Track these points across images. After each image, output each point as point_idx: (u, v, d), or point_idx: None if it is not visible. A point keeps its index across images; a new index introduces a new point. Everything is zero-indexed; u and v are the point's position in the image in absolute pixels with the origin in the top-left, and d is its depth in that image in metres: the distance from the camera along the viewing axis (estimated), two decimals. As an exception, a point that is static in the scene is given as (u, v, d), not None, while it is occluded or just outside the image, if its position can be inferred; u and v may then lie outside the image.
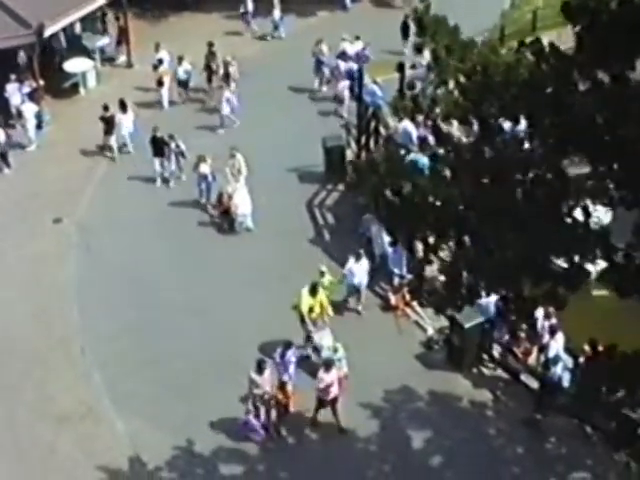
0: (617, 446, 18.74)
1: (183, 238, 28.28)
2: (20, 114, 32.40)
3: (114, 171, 31.32)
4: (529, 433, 22.46)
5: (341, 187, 30.42)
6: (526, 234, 16.02)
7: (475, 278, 17.30)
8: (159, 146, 29.86)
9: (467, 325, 23.46)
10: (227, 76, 33.48)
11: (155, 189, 30.27)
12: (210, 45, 34.23)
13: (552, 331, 22.73)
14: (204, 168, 28.92)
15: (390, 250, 26.22)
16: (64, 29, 34.91)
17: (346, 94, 33.06)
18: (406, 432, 22.51)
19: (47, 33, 31.94)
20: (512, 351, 23.91)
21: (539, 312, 22.21)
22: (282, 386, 21.93)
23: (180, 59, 33.68)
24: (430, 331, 24.67)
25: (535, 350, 23.66)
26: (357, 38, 35.07)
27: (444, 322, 24.50)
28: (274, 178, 29.95)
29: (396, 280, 26.01)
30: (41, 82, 33.20)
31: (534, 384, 23.18)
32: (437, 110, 18.36)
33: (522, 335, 23.55)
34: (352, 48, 34.68)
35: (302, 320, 23.66)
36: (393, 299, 25.51)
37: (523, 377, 23.72)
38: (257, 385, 21.44)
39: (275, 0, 38.55)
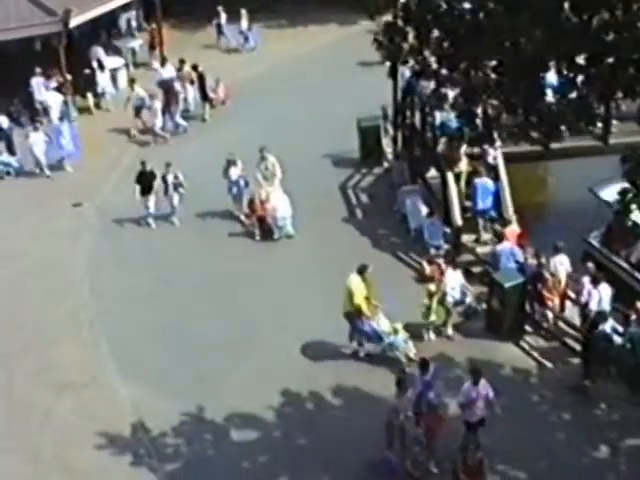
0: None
1: (211, 236, 25.97)
2: (46, 110, 30.76)
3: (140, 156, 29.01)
4: (576, 399, 20.01)
5: (377, 170, 28.07)
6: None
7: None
8: (149, 182, 25.91)
9: (507, 285, 21.00)
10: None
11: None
12: (195, 68, 32.08)
13: (594, 281, 20.48)
14: (234, 172, 26.01)
15: (427, 222, 24.34)
16: (95, 29, 33.37)
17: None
18: (442, 399, 19.83)
19: (73, 23, 30.36)
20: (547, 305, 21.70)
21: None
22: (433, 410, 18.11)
23: (132, 82, 31.24)
24: (468, 299, 22.11)
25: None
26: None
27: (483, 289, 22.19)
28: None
29: (432, 251, 23.86)
30: (68, 77, 31.52)
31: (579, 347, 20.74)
32: None
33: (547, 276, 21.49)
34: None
35: (356, 314, 20.95)
36: (428, 269, 23.21)
37: (569, 340, 21.02)
38: (397, 412, 17.84)
39: (243, 11, 36.80)
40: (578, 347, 20.90)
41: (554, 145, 24.81)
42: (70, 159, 29.25)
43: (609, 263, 23.27)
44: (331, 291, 21.85)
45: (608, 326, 19.83)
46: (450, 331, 21.72)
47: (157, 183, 25.79)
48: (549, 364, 21.04)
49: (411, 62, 21.57)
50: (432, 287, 21.64)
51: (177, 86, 31.18)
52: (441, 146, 24.88)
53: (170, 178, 25.80)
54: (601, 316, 19.89)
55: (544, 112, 17.28)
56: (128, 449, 19.03)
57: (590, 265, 21.37)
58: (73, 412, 20.03)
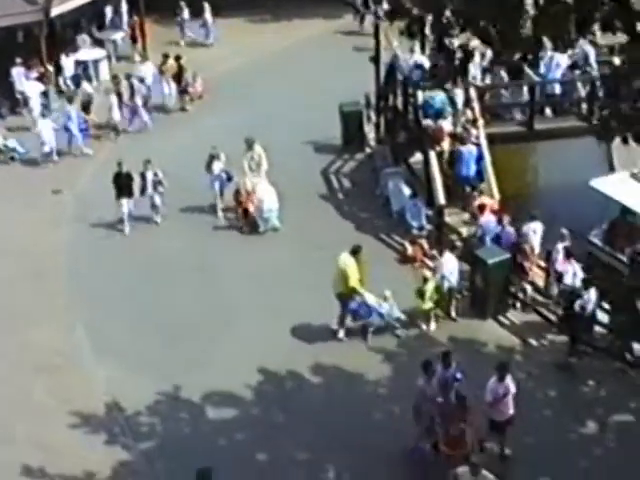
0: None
1: (193, 228, 24.94)
2: (26, 101, 30.04)
3: (120, 151, 28.14)
4: (563, 376, 19.40)
5: (359, 155, 27.40)
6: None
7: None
8: (126, 184, 24.41)
9: (490, 261, 20.30)
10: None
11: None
12: (177, 59, 31.27)
13: (568, 255, 20.12)
14: (217, 166, 24.85)
15: (409, 203, 23.65)
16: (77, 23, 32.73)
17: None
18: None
19: (55, 12, 29.78)
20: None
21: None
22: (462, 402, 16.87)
23: (83, 77, 30.78)
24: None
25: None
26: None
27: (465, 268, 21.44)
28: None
29: (415, 232, 23.22)
30: (49, 67, 30.84)
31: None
32: None
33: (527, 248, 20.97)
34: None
35: (349, 295, 20.25)
36: (410, 250, 22.58)
37: (552, 316, 20.37)
38: (426, 397, 16.81)
39: (205, 4, 35.90)
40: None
41: (538, 126, 24.42)
42: (76, 144, 28.60)
43: (613, 261, 22.17)
44: (313, 276, 21.45)
45: (590, 298, 19.29)
46: (454, 313, 20.95)
47: (135, 184, 24.59)
48: (534, 342, 20.40)
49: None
50: (427, 272, 20.90)
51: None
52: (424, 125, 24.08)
53: (149, 176, 24.44)
54: (576, 292, 19.51)
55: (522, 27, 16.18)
56: (102, 428, 18.35)
57: (564, 233, 20.80)
58: (48, 393, 19.27)
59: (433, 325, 20.61)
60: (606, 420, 18.23)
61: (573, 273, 20.12)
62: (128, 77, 30.22)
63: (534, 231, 21.10)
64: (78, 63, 32.24)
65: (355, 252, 20.17)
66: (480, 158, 23.19)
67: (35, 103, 29.75)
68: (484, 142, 23.45)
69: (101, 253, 23.92)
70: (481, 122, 23.52)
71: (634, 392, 18.92)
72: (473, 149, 23.23)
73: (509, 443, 16.99)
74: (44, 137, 27.67)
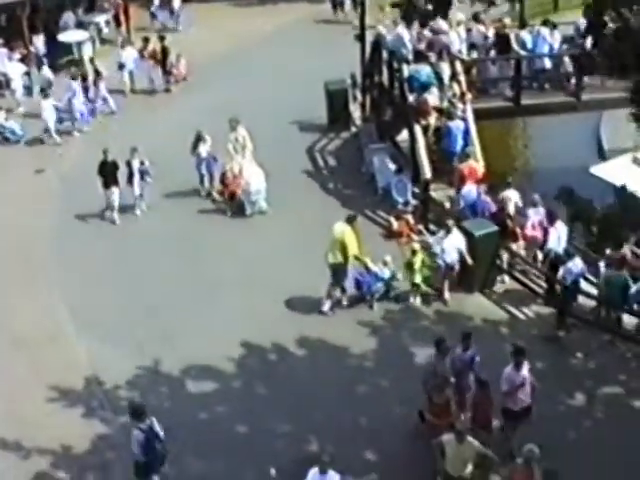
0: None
1: (178, 210, 24.10)
2: (8, 83, 29.49)
3: (104, 133, 27.67)
4: (551, 349, 18.82)
5: (344, 134, 26.87)
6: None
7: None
8: (112, 172, 23.26)
9: (478, 234, 19.80)
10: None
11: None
12: (161, 39, 30.63)
13: (551, 219, 19.76)
14: (204, 149, 23.96)
15: (395, 179, 23.10)
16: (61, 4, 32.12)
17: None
18: (408, 349, 18.86)
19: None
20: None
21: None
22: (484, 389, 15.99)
23: (41, 64, 29.90)
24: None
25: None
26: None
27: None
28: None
29: (400, 207, 22.73)
30: (32, 49, 30.29)
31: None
32: None
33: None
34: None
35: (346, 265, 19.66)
36: (396, 225, 22.10)
37: (538, 288, 19.90)
38: (435, 375, 15.83)
39: None
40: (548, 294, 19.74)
41: (525, 101, 23.92)
42: (82, 122, 28.05)
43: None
44: (299, 254, 21.14)
45: (574, 267, 18.84)
46: (447, 295, 20.15)
47: (121, 173, 23.54)
48: (521, 315, 19.91)
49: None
50: (416, 245, 20.39)
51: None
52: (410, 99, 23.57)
53: (135, 164, 23.32)
54: (561, 258, 19.09)
55: None
56: (81, 402, 17.81)
57: (536, 198, 20.52)
58: (28, 367, 18.71)
59: (419, 299, 20.03)
60: (595, 392, 17.73)
61: (557, 237, 19.64)
62: (92, 61, 29.81)
63: (509, 198, 20.67)
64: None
65: (350, 221, 19.70)
66: (467, 132, 22.63)
67: (18, 84, 29.25)
68: (471, 116, 22.88)
69: (85, 232, 23.31)
70: (469, 96, 22.94)
71: (623, 364, 18.49)
72: (461, 124, 22.74)
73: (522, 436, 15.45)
74: (45, 116, 27.13)
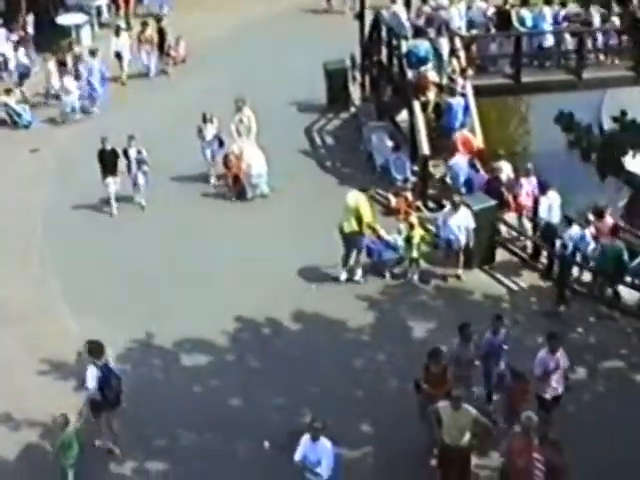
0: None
1: (177, 193, 23.30)
2: (6, 64, 29.06)
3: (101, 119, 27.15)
4: (551, 324, 18.28)
5: (343, 115, 26.41)
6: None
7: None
8: (112, 161, 22.21)
9: (476, 208, 19.35)
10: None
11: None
12: (158, 20, 30.08)
13: (542, 188, 19.60)
14: (210, 132, 22.98)
15: (393, 156, 22.65)
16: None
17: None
18: (406, 323, 18.47)
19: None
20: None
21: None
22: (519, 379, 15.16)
23: (18, 44, 29.16)
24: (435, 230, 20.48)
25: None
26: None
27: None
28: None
29: (399, 184, 22.29)
30: (30, 31, 29.87)
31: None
32: None
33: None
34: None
35: (361, 233, 19.35)
36: (394, 202, 21.65)
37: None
38: (459, 361, 15.07)
39: None
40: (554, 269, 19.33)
41: (525, 79, 23.48)
42: (99, 101, 27.66)
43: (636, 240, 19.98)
44: (297, 232, 20.89)
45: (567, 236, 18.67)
46: (460, 271, 19.59)
47: (121, 162, 22.43)
48: (520, 290, 19.48)
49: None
50: (413, 219, 19.90)
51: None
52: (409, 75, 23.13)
53: (133, 153, 22.10)
54: (552, 227, 18.95)
55: None
56: (73, 375, 17.27)
57: (529, 167, 20.31)
58: (19, 343, 18.25)
59: (416, 276, 19.58)
60: (596, 366, 17.28)
61: (548, 206, 19.33)
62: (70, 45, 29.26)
63: (501, 169, 20.42)
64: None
65: (364, 190, 19.57)
66: (466, 109, 22.20)
67: (13, 65, 28.69)
68: (470, 92, 22.45)
69: (80, 209, 22.79)
70: (469, 72, 22.52)
71: (624, 339, 18.08)
72: (461, 100, 22.31)
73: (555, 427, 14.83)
74: (69, 96, 26.81)
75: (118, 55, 29.27)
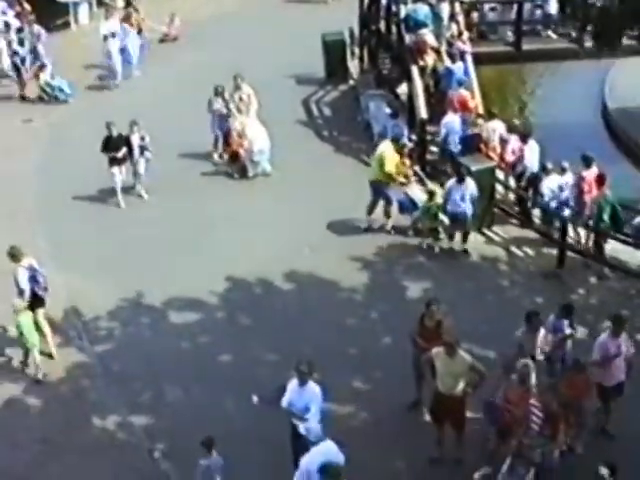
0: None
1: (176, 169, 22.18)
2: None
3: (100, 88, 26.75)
4: (550, 285, 17.66)
5: (342, 87, 25.79)
6: None
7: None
8: (118, 149, 20.63)
9: (474, 168, 18.70)
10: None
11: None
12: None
13: (523, 139, 19.22)
14: (221, 105, 21.94)
15: (391, 123, 21.96)
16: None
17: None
18: (401, 283, 17.83)
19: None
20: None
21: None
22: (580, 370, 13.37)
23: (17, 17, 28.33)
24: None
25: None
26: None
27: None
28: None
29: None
30: (27, 6, 29.24)
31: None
32: None
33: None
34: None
35: (385, 183, 19.02)
36: (391, 168, 20.91)
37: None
38: (523, 352, 13.45)
39: None
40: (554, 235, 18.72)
41: (526, 46, 22.86)
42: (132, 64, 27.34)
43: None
44: (294, 201, 20.36)
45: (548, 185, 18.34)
46: (467, 246, 18.73)
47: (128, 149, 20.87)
48: (520, 253, 18.85)
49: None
50: (434, 187, 19.30)
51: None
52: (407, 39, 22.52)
53: (135, 139, 20.68)
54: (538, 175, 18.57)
55: None
56: (58, 331, 16.71)
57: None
58: (3, 298, 17.46)
59: (437, 247, 18.80)
60: (597, 326, 16.53)
61: (530, 155, 19.17)
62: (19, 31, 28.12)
63: (493, 129, 19.84)
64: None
65: (395, 141, 19.36)
66: (466, 73, 21.61)
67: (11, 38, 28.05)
68: (470, 56, 21.82)
69: (73, 174, 21.98)
70: (466, 35, 21.89)
71: (626, 301, 17.36)
72: (461, 65, 21.69)
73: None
74: (112, 59, 26.51)
75: (106, 38, 27.95)
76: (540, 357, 13.68)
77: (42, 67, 26.57)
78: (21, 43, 27.96)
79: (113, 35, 27.35)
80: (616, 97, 26.01)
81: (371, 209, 19.17)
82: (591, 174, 18.08)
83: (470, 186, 18.33)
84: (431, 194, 18.82)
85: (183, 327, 16.75)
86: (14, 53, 26.88)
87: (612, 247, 18.14)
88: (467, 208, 18.38)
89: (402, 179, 19.07)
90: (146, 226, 19.82)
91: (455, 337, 13.17)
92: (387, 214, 19.30)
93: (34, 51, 27.09)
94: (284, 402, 12.66)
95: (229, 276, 18.02)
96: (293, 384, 12.66)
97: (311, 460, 11.53)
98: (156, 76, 27.16)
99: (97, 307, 17.39)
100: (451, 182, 18.59)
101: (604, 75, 26.58)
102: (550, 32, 24.11)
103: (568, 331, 14.17)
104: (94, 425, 14.75)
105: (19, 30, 28.65)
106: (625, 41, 21.48)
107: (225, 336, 16.50)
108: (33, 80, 26.55)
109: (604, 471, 11.11)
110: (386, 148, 19.02)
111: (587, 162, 18.13)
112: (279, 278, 17.96)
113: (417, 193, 19.16)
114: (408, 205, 19.06)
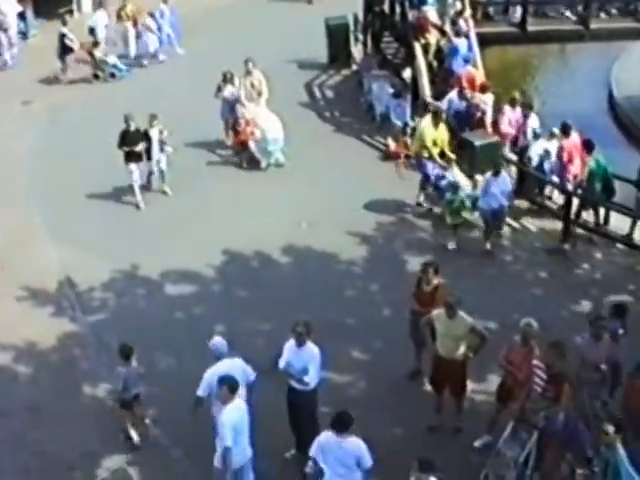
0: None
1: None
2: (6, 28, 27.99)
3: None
4: (554, 260, 17.14)
5: (345, 71, 25.28)
6: None
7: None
8: (137, 146, 19.14)
9: (478, 143, 18.19)
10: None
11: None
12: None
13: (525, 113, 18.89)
14: (231, 92, 20.85)
15: (393, 103, 21.51)
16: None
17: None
18: (400, 257, 17.32)
19: None
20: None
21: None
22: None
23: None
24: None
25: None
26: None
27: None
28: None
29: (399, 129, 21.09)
30: (30, -7, 28.94)
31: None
32: None
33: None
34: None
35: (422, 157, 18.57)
36: (393, 146, 20.54)
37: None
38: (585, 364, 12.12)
39: None
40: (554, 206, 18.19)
41: (532, 27, 22.40)
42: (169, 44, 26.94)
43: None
44: (295, 181, 19.86)
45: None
46: (488, 245, 17.50)
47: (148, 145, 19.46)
48: (523, 229, 18.27)
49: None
50: (460, 177, 18.27)
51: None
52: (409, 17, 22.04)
53: (154, 134, 19.35)
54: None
55: None
56: (51, 302, 16.37)
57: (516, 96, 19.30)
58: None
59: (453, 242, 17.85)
60: (601, 300, 16.01)
61: (531, 128, 18.81)
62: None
63: (485, 102, 19.41)
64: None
65: (436, 114, 18.73)
66: (470, 50, 21.13)
67: (12, 21, 27.66)
68: (474, 34, 21.33)
69: (67, 157, 21.50)
70: (468, 12, 21.41)
71: (632, 275, 16.91)
72: (465, 42, 21.18)
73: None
74: (148, 42, 26.29)
75: (92, 31, 27.25)
76: (604, 367, 12.23)
77: (95, 44, 25.94)
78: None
79: (92, 31, 26.76)
80: (623, 85, 25.49)
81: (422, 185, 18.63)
82: (570, 143, 17.49)
83: (506, 180, 17.48)
84: (455, 187, 17.85)
85: (178, 299, 16.31)
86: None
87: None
88: (505, 203, 17.39)
89: (433, 154, 18.44)
90: (145, 204, 19.33)
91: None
92: (422, 187, 18.65)
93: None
94: (281, 363, 12.10)
95: (226, 249, 17.58)
96: (290, 345, 12.11)
97: (213, 372, 11.70)
98: (156, 64, 26.73)
99: (91, 279, 16.95)
100: (488, 176, 17.47)
101: (611, 64, 26.06)
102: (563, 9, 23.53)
103: (621, 332, 12.74)
104: (84, 393, 14.31)
105: (21, 15, 28.33)
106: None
107: (221, 307, 16.04)
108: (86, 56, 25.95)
109: (610, 428, 10.50)
110: (423, 122, 18.60)
111: (565, 131, 17.56)
112: (277, 252, 17.54)
113: (459, 176, 18.16)
114: (444, 186, 18.01)
